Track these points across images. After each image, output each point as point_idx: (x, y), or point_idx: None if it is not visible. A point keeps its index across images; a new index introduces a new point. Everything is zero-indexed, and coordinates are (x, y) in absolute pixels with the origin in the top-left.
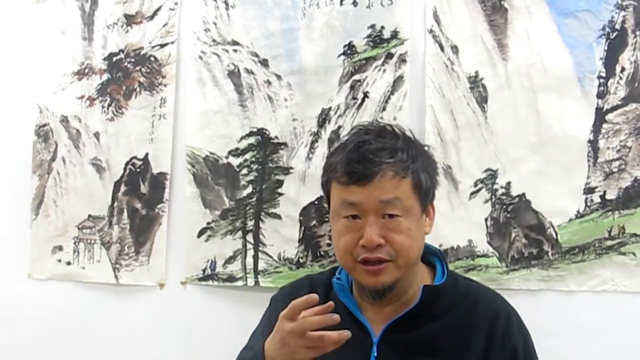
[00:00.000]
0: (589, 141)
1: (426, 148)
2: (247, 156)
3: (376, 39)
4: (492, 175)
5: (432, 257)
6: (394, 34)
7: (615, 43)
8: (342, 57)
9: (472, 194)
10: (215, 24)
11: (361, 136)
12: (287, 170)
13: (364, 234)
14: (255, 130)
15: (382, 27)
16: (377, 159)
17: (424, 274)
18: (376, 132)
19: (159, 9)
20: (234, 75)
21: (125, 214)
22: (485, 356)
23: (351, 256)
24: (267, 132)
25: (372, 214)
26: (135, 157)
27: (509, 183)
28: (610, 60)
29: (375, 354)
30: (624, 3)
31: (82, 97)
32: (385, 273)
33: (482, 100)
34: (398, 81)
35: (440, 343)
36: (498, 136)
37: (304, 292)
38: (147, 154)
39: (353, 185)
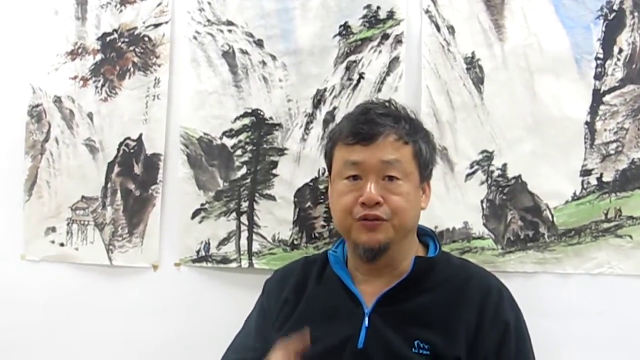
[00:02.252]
0: (586, 123)
1: (427, 129)
2: (242, 137)
3: (372, 19)
4: (488, 156)
5: (426, 237)
6: (390, 15)
7: (613, 24)
8: (338, 37)
9: (467, 175)
10: (209, 3)
11: (366, 105)
12: (281, 152)
13: (363, 192)
14: (249, 111)
15: (378, 8)
16: (382, 121)
17: (419, 250)
18: (380, 104)
19: None
20: (228, 55)
21: (118, 195)
22: (476, 329)
23: (350, 215)
24: (262, 113)
25: (373, 173)
26: (129, 138)
27: (505, 165)
28: (608, 42)
29: (367, 325)
30: None
31: (75, 77)
32: (380, 231)
33: (479, 81)
34: (394, 62)
35: (432, 315)
36: (494, 117)
37: (297, 274)
38: (140, 135)
39: (357, 145)
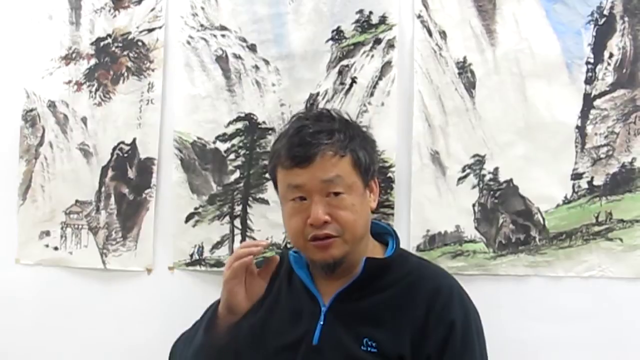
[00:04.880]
0: (577, 127)
1: (364, 129)
2: (235, 141)
3: (364, 24)
4: (479, 160)
5: (387, 236)
6: (382, 19)
7: (604, 29)
8: (330, 42)
9: (459, 179)
10: (203, 8)
11: (300, 122)
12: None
13: (310, 214)
14: (242, 115)
15: (371, 13)
16: (316, 140)
17: (375, 249)
18: (314, 117)
19: None
20: (221, 60)
21: (112, 199)
22: (422, 329)
23: (302, 236)
24: (255, 117)
25: (317, 193)
26: (122, 142)
27: (496, 169)
28: (599, 46)
29: (322, 322)
30: None
31: (69, 82)
32: (333, 247)
33: (470, 86)
34: (386, 66)
35: (382, 314)
36: (486, 122)
37: (275, 265)
38: (134, 139)
39: (296, 168)
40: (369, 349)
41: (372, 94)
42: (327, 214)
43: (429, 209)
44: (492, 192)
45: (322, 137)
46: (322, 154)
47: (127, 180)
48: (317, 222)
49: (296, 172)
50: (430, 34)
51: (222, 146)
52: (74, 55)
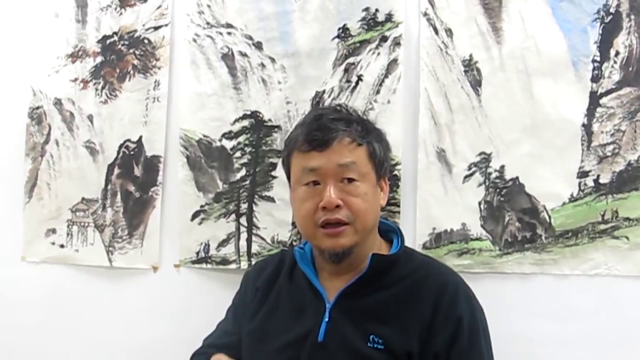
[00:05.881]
0: (583, 125)
1: (379, 128)
2: (241, 139)
3: (370, 22)
4: (485, 158)
5: (391, 233)
6: (389, 17)
7: (610, 27)
8: (337, 40)
9: (465, 177)
10: (209, 6)
11: (317, 112)
12: (280, 153)
13: (323, 197)
14: (248, 113)
15: (377, 10)
16: (334, 126)
17: (381, 247)
18: (331, 109)
19: None
20: (227, 58)
21: (118, 196)
22: (429, 326)
23: (312, 221)
24: (261, 115)
25: (332, 177)
26: (128, 140)
27: (502, 167)
28: (605, 44)
29: (327, 319)
30: None
31: (75, 79)
32: (343, 236)
33: (476, 84)
34: (392, 64)
35: (388, 311)
36: (492, 120)
37: (272, 266)
38: (140, 137)
39: (313, 151)
40: (375, 345)
41: (378, 92)
42: (339, 199)
43: (435, 207)
44: (498, 190)
45: (340, 124)
46: (339, 139)
47: (133, 178)
48: (330, 205)
49: (313, 155)
50: (437, 32)
51: (228, 144)
52: (80, 53)
